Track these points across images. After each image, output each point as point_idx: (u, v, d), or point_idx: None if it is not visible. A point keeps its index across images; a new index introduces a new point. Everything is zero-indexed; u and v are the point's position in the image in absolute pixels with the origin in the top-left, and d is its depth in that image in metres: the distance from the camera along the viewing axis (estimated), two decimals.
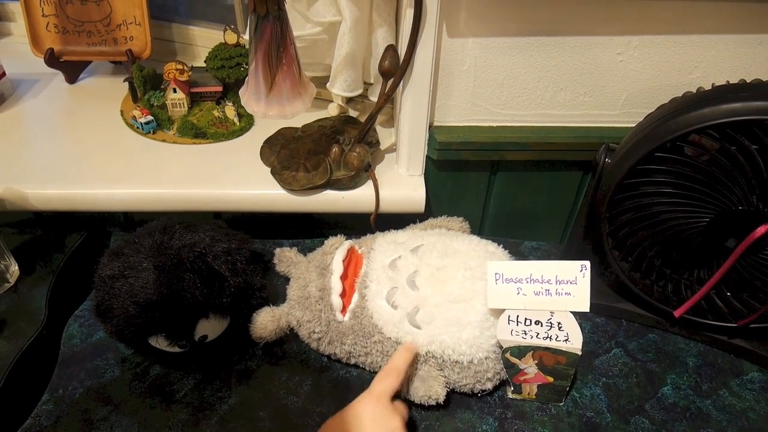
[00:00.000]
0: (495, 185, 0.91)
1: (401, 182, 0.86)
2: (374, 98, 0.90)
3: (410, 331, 0.66)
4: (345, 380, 0.73)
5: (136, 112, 0.93)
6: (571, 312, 0.62)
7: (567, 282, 0.61)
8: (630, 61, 0.79)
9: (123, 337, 0.69)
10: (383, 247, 0.72)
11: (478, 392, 0.70)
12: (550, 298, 0.62)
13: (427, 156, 0.85)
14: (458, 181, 0.89)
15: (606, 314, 0.83)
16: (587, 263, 0.61)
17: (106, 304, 0.69)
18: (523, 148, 0.83)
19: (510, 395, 0.72)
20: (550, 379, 0.68)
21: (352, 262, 0.72)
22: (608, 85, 0.81)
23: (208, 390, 0.72)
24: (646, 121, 0.70)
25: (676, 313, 0.76)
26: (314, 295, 0.70)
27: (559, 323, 0.63)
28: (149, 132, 0.93)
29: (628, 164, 0.68)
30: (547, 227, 0.98)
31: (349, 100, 1.01)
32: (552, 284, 0.61)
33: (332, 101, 0.97)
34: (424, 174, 0.87)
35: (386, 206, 0.85)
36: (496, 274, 0.62)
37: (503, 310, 0.64)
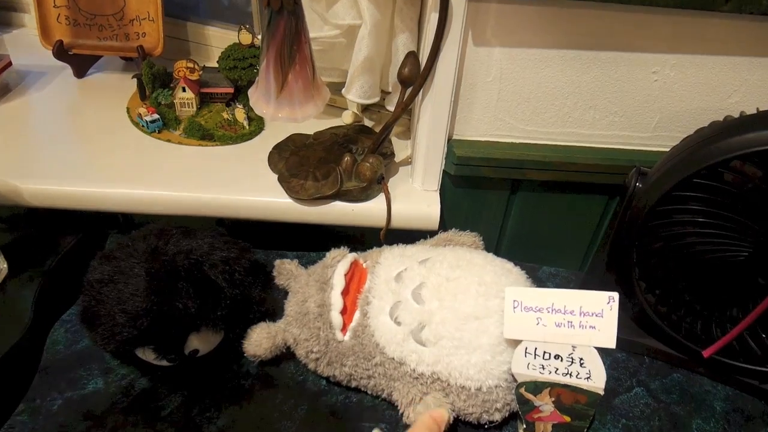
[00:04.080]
0: (514, 205, 0.86)
1: (415, 197, 0.81)
2: (391, 108, 0.86)
3: (415, 350, 0.60)
4: (344, 405, 0.68)
5: (142, 110, 0.89)
6: (594, 348, 0.57)
7: (592, 314, 0.56)
8: (665, 80, 0.74)
9: (108, 346, 0.65)
10: (389, 260, 0.67)
11: (485, 423, 0.64)
12: (572, 330, 0.56)
13: (444, 171, 0.80)
14: (475, 199, 0.84)
15: (627, 350, 0.77)
16: (615, 295, 0.56)
17: (92, 311, 0.64)
18: (546, 167, 0.78)
19: None
20: (567, 419, 0.62)
21: (355, 277, 0.67)
22: (641, 105, 0.76)
23: (195, 409, 0.66)
24: (683, 144, 0.65)
25: (705, 353, 0.70)
26: (313, 312, 0.65)
27: (581, 359, 0.57)
28: (154, 131, 0.89)
29: (662, 189, 0.63)
30: (567, 253, 0.93)
31: (365, 109, 0.96)
32: (575, 316, 0.56)
33: (347, 109, 0.93)
34: (440, 190, 0.82)
35: (398, 221, 0.80)
36: (514, 301, 0.57)
37: (520, 341, 0.58)
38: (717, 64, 0.72)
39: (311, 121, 0.96)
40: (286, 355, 0.72)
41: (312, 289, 0.66)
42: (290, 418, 0.66)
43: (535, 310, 0.57)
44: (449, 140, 0.79)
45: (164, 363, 0.66)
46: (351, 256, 0.69)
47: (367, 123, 0.94)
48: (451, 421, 0.61)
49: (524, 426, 0.64)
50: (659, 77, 0.73)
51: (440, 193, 0.82)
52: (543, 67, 0.73)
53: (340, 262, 0.66)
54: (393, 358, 0.60)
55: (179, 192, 0.79)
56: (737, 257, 0.63)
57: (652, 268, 0.69)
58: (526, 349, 0.58)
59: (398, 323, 0.61)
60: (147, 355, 0.65)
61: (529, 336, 0.57)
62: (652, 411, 0.71)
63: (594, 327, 0.56)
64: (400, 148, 0.89)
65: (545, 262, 0.87)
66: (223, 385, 0.69)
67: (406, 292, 0.62)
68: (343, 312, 0.64)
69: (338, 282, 0.64)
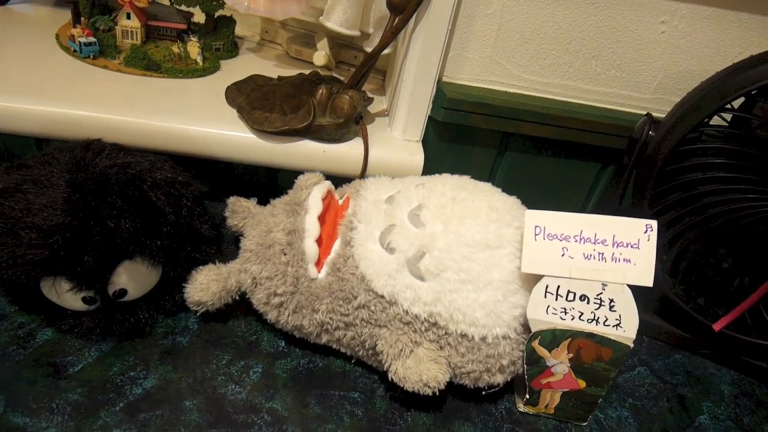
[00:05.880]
0: (501, 167, 0.77)
1: (396, 145, 0.71)
2: (370, 49, 0.76)
3: (411, 285, 0.48)
4: (307, 371, 0.55)
5: (75, 31, 0.75)
6: (628, 287, 0.48)
7: (627, 245, 0.47)
8: (673, 33, 0.69)
9: (8, 272, 0.49)
10: (376, 185, 0.55)
11: (484, 388, 0.53)
12: (603, 264, 0.47)
13: (429, 119, 0.71)
14: (460, 156, 0.75)
15: None
16: (654, 223, 0.47)
17: None
18: (542, 120, 0.70)
19: (521, 408, 0.55)
20: (582, 385, 0.52)
21: (331, 209, 0.55)
22: (645, 60, 0.70)
23: (116, 366, 0.52)
24: (704, 83, 0.59)
25: (716, 326, 0.63)
26: (280, 242, 0.52)
27: (611, 301, 0.48)
28: (88, 56, 0.75)
29: (683, 129, 0.57)
30: None
31: (337, 65, 0.87)
32: (608, 246, 0.47)
33: (315, 59, 0.82)
34: (422, 142, 0.73)
35: (375, 170, 0.69)
36: (536, 227, 0.47)
37: (539, 279, 0.48)
38: (726, 20, 0.68)
39: (273, 69, 0.85)
40: (236, 311, 0.59)
41: (280, 216, 0.53)
42: (240, 383, 0.53)
43: (561, 239, 0.47)
44: (438, 81, 0.70)
45: (79, 305, 0.51)
46: (328, 183, 0.57)
47: (339, 77, 0.84)
48: (446, 382, 0.49)
49: (527, 397, 0.54)
50: (667, 28, 0.68)
51: (422, 146, 0.72)
52: (548, 2, 0.66)
53: (316, 185, 0.54)
54: (382, 296, 0.48)
55: (111, 115, 0.65)
56: (758, 214, 0.57)
57: (664, 228, 0.62)
58: (547, 287, 0.48)
59: (390, 250, 0.49)
60: (58, 290, 0.50)
61: (552, 270, 0.47)
62: (659, 392, 0.62)
63: (629, 260, 0.47)
64: (374, 103, 0.79)
65: None
66: (154, 340, 0.55)
67: (402, 213, 0.50)
68: (319, 243, 0.52)
69: (315, 204, 0.52)
